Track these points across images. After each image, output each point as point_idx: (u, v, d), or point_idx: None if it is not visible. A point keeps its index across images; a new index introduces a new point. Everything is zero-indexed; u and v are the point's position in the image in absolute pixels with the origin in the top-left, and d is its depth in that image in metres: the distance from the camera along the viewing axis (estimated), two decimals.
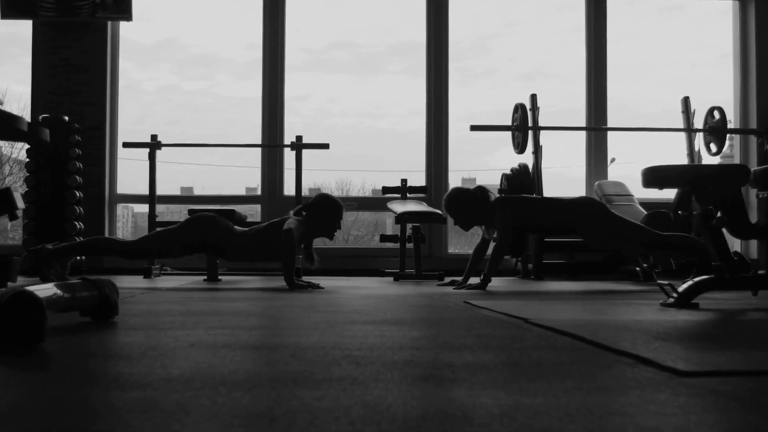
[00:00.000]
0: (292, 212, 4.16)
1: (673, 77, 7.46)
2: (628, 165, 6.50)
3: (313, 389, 0.99)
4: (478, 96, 7.37)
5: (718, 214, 2.58)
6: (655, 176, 2.49)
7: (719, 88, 5.69)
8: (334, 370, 1.15)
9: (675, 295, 2.57)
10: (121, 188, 6.45)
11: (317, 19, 7.08)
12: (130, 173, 5.54)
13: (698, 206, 2.56)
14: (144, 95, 7.54)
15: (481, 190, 4.06)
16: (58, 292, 1.76)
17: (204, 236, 3.98)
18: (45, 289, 1.69)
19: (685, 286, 2.58)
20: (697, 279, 2.59)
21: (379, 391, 0.98)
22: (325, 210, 4.07)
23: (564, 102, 6.72)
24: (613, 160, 6.58)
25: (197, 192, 9.08)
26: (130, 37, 7.28)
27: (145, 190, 5.70)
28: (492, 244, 4.12)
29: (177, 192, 9.27)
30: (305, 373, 1.13)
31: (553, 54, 7.35)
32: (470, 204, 4.03)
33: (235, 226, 4.07)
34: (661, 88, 7.41)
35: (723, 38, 7.38)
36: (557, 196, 4.23)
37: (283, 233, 3.88)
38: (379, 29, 7.38)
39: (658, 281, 2.71)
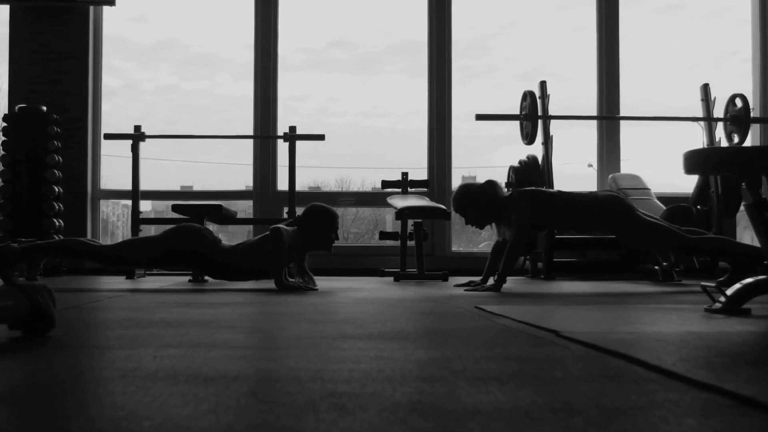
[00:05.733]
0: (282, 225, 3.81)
1: (672, 78, 7.19)
2: (630, 162, 6.20)
3: None
4: (478, 96, 7.10)
5: None
6: (700, 160, 2.12)
7: (721, 88, 5.40)
8: (306, 421, 0.79)
9: (722, 299, 2.20)
10: (115, 186, 6.10)
11: (316, 19, 6.86)
12: (126, 172, 5.25)
13: (749, 196, 2.19)
14: (144, 95, 7.25)
15: (491, 185, 3.69)
16: None
17: (188, 248, 3.62)
18: None
19: (734, 288, 2.21)
20: (747, 281, 2.22)
21: None
22: (318, 220, 3.69)
23: (564, 101, 6.44)
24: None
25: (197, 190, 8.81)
26: (130, 37, 7.05)
27: (142, 187, 5.33)
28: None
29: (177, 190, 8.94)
30: (262, 428, 0.76)
31: (554, 54, 7.10)
32: (481, 201, 3.65)
33: (223, 242, 3.70)
34: (661, 88, 7.14)
35: (723, 38, 7.11)
36: (577, 191, 3.85)
37: (271, 231, 3.53)
38: (378, 29, 7.13)
39: (702, 283, 2.34)
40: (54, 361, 1.24)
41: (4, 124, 5.24)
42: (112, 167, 6.15)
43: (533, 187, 3.93)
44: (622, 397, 0.93)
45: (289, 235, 3.54)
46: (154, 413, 0.83)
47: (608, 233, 3.74)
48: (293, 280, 3.68)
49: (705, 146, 5.49)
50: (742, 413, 0.83)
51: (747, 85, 6.33)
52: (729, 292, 2.20)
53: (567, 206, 3.67)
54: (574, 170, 8.69)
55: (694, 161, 2.14)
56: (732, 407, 0.86)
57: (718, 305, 2.20)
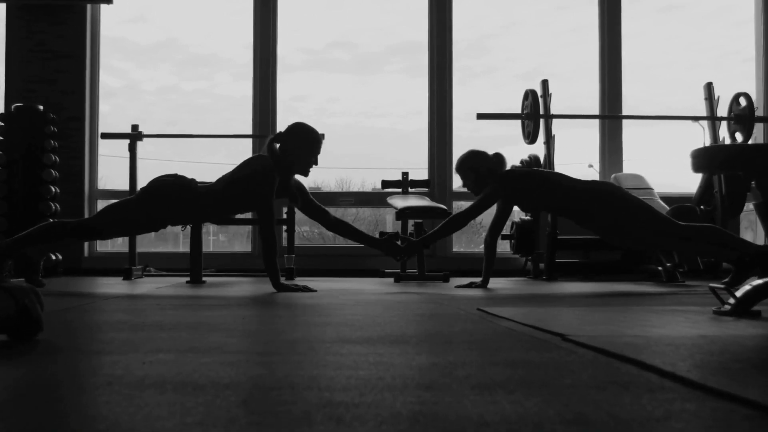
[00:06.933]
0: (266, 146, 3.62)
1: (672, 78, 7.15)
2: (632, 162, 6.16)
3: None
4: (479, 96, 7.07)
5: None
6: (707, 158, 2.06)
7: (721, 88, 5.36)
8: None
9: (731, 301, 2.14)
10: (113, 186, 6.04)
11: (316, 19, 6.83)
12: (124, 172, 5.21)
13: (759, 195, 2.14)
14: (144, 95, 7.22)
15: (497, 158, 3.84)
16: None
17: (168, 204, 3.46)
18: None
19: (743, 290, 2.15)
20: (757, 282, 2.17)
21: None
22: (301, 141, 3.54)
23: (564, 101, 6.41)
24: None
25: None
26: (129, 37, 7.02)
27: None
28: (506, 234, 3.76)
29: None
30: None
31: (555, 54, 7.06)
32: (481, 169, 3.81)
33: (199, 183, 3.55)
34: (662, 88, 7.10)
35: (723, 38, 7.08)
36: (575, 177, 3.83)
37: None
38: (378, 29, 7.11)
39: (710, 284, 2.28)
40: (37, 367, 1.19)
41: (1, 124, 5.19)
42: (111, 167, 6.11)
43: (527, 168, 3.97)
44: (637, 406, 0.87)
45: (273, 193, 3.48)
46: (136, 426, 0.77)
47: (602, 225, 3.68)
48: (291, 282, 3.62)
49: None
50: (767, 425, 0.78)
51: (748, 85, 6.29)
52: (738, 293, 2.15)
53: (558, 187, 3.70)
54: (576, 170, 8.65)
55: (701, 159, 2.09)
56: (755, 418, 0.81)
57: (727, 307, 2.14)
